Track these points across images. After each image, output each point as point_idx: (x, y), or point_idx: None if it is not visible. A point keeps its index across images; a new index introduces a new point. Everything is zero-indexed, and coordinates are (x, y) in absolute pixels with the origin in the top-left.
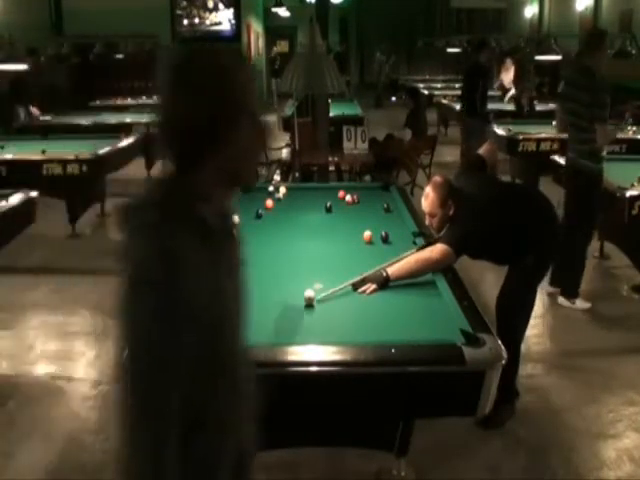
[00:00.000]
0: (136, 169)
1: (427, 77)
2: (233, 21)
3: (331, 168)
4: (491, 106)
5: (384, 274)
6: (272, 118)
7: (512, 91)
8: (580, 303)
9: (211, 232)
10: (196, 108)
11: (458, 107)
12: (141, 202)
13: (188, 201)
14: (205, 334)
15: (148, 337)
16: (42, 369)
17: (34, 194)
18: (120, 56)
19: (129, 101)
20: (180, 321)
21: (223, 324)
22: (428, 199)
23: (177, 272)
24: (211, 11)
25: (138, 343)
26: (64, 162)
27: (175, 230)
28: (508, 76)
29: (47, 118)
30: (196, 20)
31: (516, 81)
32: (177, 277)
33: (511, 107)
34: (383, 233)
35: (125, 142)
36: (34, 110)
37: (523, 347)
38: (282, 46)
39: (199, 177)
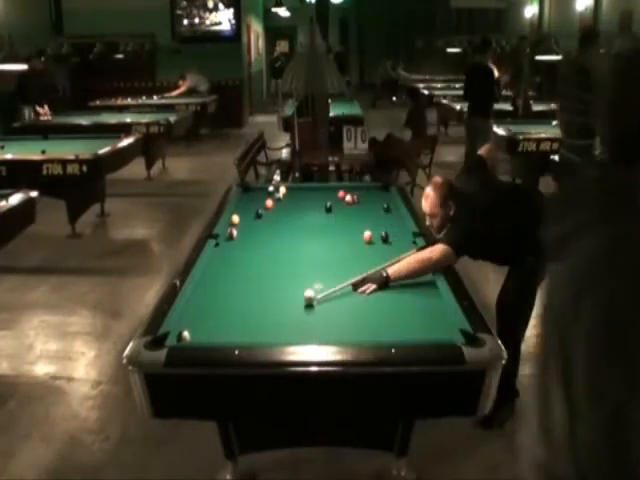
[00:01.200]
0: (136, 169)
1: (427, 77)
2: (233, 21)
3: (331, 168)
4: None
5: (384, 274)
6: (272, 118)
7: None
8: None
9: None
10: None
11: (458, 107)
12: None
13: None
14: None
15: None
16: (42, 369)
17: (34, 194)
18: (120, 56)
19: (129, 101)
20: None
21: None
22: (428, 199)
23: None
24: (211, 11)
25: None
26: (64, 162)
27: None
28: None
29: (48, 118)
30: (196, 20)
31: (512, 83)
32: None
33: (508, 107)
34: (383, 233)
35: (125, 142)
36: (43, 110)
37: (523, 347)
38: (282, 46)
39: None
